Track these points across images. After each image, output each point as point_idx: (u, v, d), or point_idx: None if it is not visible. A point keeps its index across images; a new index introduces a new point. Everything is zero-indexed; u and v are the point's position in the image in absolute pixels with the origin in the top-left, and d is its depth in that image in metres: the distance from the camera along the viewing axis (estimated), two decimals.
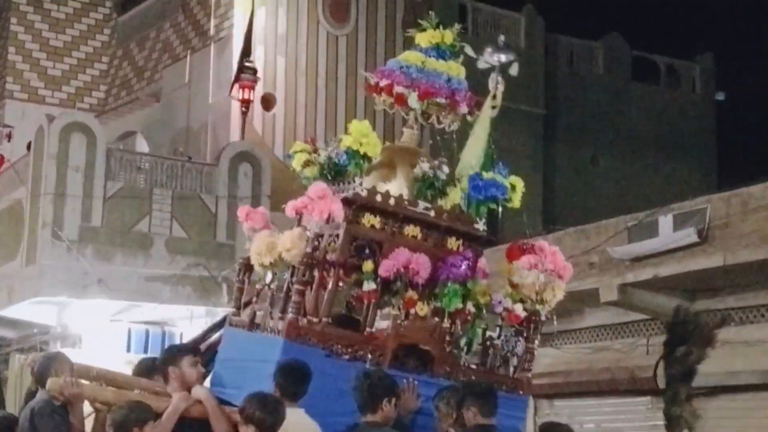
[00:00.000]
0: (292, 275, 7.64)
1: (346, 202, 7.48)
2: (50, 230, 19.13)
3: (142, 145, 24.04)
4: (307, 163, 8.31)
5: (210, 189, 20.16)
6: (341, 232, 7.56)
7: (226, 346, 9.01)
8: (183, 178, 20.46)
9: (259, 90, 22.67)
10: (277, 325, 7.67)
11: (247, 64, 22.23)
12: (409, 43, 25.02)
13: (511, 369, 8.32)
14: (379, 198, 7.68)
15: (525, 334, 8.37)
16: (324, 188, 7.37)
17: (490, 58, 8.63)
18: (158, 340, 20.38)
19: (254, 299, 8.63)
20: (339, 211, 7.32)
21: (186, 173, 20.64)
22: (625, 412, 16.47)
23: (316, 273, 7.50)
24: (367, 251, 7.70)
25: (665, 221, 15.95)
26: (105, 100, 27.61)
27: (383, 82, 8.25)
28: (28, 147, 20.67)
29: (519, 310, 8.13)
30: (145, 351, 19.73)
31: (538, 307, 8.25)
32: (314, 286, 7.63)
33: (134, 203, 19.61)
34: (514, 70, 8.82)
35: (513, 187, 8.37)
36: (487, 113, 8.58)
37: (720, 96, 31.22)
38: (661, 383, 15.97)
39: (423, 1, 25.66)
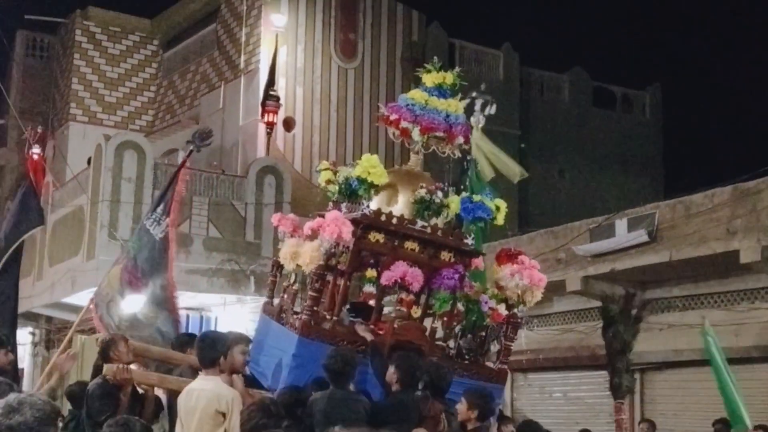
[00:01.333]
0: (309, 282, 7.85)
1: (355, 222, 7.68)
2: (107, 231, 19.16)
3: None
4: (329, 182, 8.40)
5: (240, 197, 20.19)
6: (351, 245, 7.75)
7: (260, 329, 9.24)
8: (217, 188, 20.48)
9: (281, 114, 22.66)
10: (294, 322, 7.96)
11: (271, 92, 22.25)
12: (407, 77, 25.06)
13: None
14: (383, 218, 7.88)
15: (504, 332, 8.50)
16: (337, 215, 7.65)
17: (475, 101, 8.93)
18: (197, 322, 20.42)
19: (282, 294, 8.75)
20: (347, 234, 7.53)
21: (220, 184, 20.66)
22: (586, 384, 16.52)
23: (330, 278, 7.89)
24: (371, 261, 7.99)
25: (621, 224, 15.96)
26: (152, 122, 27.62)
27: (392, 116, 8.45)
28: (89, 162, 20.66)
29: (502, 309, 8.30)
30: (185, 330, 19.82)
31: (519, 307, 8.36)
32: (330, 288, 8.02)
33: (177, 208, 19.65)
34: (492, 110, 9.02)
35: (498, 208, 8.45)
36: (475, 142, 8.76)
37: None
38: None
39: (419, 41, 25.76)
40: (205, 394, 6.60)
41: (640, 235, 15.39)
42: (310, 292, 7.81)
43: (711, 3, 43.49)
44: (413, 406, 6.87)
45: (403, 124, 8.41)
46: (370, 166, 8.06)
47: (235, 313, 20.40)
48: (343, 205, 8.15)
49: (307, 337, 7.57)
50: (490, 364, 8.57)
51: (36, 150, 12.52)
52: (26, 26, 29.73)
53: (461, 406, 7.35)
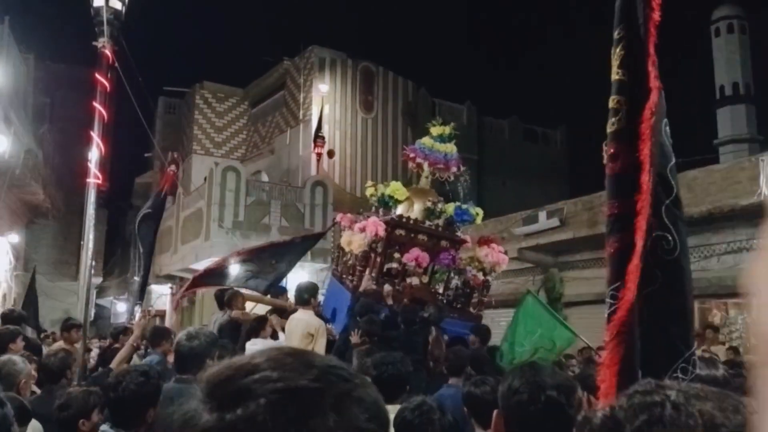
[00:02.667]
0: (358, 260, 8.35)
1: (386, 222, 8.20)
2: (217, 223, 19.30)
3: (264, 178, 24.17)
4: (371, 195, 8.79)
5: (300, 200, 20.35)
6: (384, 237, 8.16)
7: (329, 288, 9.50)
8: (286, 195, 20.59)
9: (326, 147, 22.81)
10: (349, 285, 8.32)
11: (319, 134, 22.41)
12: (405, 124, 24.64)
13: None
14: (404, 220, 8.42)
15: (480, 290, 8.83)
16: (375, 219, 8.20)
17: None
18: None
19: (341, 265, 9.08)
20: (381, 231, 8.08)
21: (288, 192, 20.75)
22: None
23: (372, 257, 8.26)
24: (397, 247, 8.33)
25: (542, 214, 16.00)
26: (244, 154, 27.80)
27: (411, 155, 8.89)
28: (205, 179, 20.81)
29: (480, 276, 8.70)
30: None
31: (491, 274, 8.80)
32: (371, 264, 8.29)
33: (260, 208, 19.79)
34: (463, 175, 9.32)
35: (477, 213, 8.91)
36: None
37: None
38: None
39: (412, 100, 25.85)
40: (302, 322, 6.71)
41: (555, 222, 15.46)
42: (358, 267, 8.29)
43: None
44: (421, 334, 6.94)
45: (418, 160, 8.89)
46: (396, 189, 8.63)
47: (298, 273, 20.45)
48: (380, 211, 8.62)
49: (355, 295, 7.79)
50: (471, 310, 8.76)
51: (172, 168, 12.48)
52: (165, 94, 30.02)
53: (472, 337, 7.57)
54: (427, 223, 8.53)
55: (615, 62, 2.17)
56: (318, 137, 22.51)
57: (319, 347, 6.49)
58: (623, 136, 2.03)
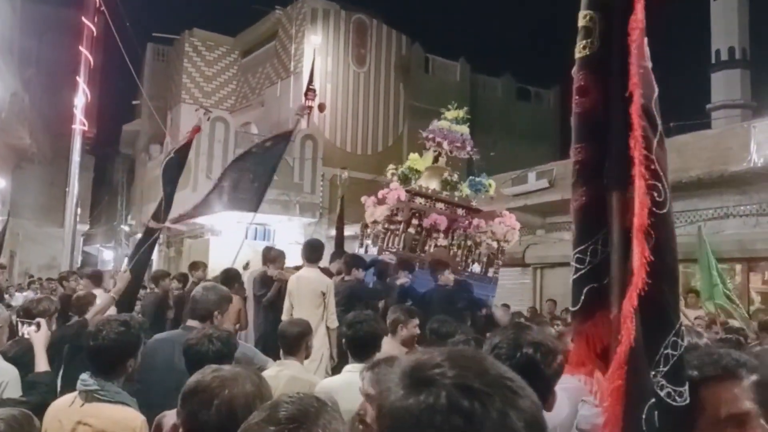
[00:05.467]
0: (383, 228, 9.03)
1: (408, 191, 9.00)
2: (205, 174, 19.21)
3: (254, 129, 23.99)
4: (392, 175, 9.68)
5: (290, 153, 20.21)
6: (406, 205, 8.90)
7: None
8: (276, 147, 20.43)
9: (317, 101, 22.59)
10: (373, 250, 8.97)
11: (310, 87, 22.09)
12: (398, 79, 24.47)
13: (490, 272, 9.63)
14: (424, 190, 9.24)
15: (495, 255, 9.67)
16: (397, 186, 8.99)
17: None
18: (262, 232, 20.55)
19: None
20: (403, 196, 8.84)
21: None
22: (510, 277, 16.63)
23: (391, 226, 8.93)
24: (416, 214, 9.03)
25: (531, 175, 16.01)
26: (234, 104, 27.46)
27: (430, 135, 9.65)
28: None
29: (494, 245, 9.58)
30: (255, 238, 19.95)
31: (503, 243, 9.62)
32: (395, 230, 8.94)
33: None
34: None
35: (490, 184, 10.00)
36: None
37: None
38: (527, 261, 16.18)
39: (405, 54, 25.53)
40: (311, 281, 6.59)
41: (544, 183, 15.47)
42: (382, 234, 8.95)
43: None
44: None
45: (438, 140, 9.58)
46: (415, 161, 9.70)
47: (285, 227, 20.52)
48: (396, 184, 9.24)
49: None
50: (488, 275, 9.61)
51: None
52: (153, 40, 29.53)
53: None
54: (444, 193, 9.41)
55: None
56: (309, 90, 22.25)
57: (331, 305, 6.49)
58: (595, 63, 1.63)
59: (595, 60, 1.63)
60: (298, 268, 7.41)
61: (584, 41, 1.63)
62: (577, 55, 1.67)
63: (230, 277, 7.36)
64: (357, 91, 24.39)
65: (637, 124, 1.50)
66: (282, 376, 3.76)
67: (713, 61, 28.87)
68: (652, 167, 1.53)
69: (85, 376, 2.85)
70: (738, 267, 12.99)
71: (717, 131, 14.15)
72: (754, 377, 1.52)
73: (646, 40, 1.55)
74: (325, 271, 7.27)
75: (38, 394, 3.30)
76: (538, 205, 15.64)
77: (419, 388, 0.95)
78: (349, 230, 12.32)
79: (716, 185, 12.43)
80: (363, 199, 9.58)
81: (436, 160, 9.76)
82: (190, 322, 3.94)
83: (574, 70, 1.68)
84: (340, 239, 11.58)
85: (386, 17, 25.58)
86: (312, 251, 6.90)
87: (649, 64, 1.55)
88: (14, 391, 3.42)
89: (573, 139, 1.71)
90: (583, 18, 1.64)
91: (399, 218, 8.91)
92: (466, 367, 0.97)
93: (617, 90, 1.54)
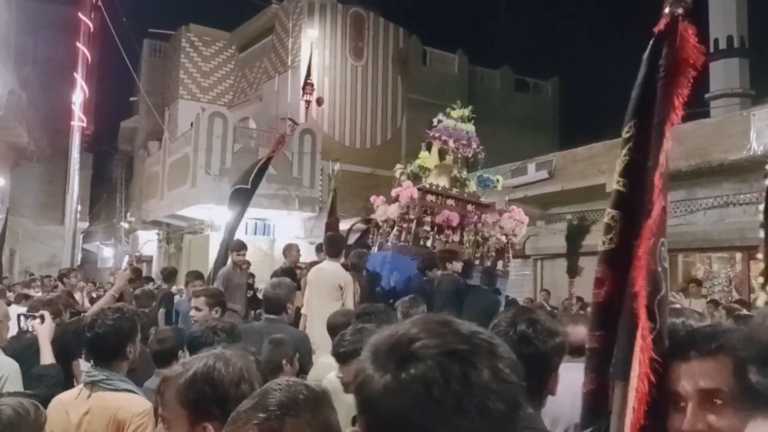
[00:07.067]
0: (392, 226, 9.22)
1: (419, 189, 9.12)
2: (204, 168, 19.21)
3: (252, 124, 23.97)
4: (401, 174, 9.72)
5: (288, 148, 20.11)
6: (417, 203, 9.05)
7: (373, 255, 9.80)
8: (274, 142, 20.45)
9: (315, 95, 22.55)
10: (388, 246, 9.13)
11: (308, 81, 22.10)
12: (396, 72, 24.44)
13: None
14: (434, 187, 9.41)
15: (505, 250, 9.83)
16: (409, 184, 9.08)
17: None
18: (261, 227, 20.62)
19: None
20: (415, 194, 8.98)
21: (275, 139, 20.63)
22: (511, 268, 16.66)
23: (404, 224, 9.07)
24: (428, 211, 9.22)
25: (531, 166, 16.02)
26: (231, 100, 27.43)
27: (436, 134, 9.78)
28: (191, 125, 20.63)
29: (503, 239, 9.71)
30: (255, 233, 19.99)
31: (511, 237, 9.75)
32: (408, 228, 9.07)
33: (248, 155, 19.58)
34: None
35: (498, 180, 10.22)
36: None
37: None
38: (527, 252, 16.17)
39: (403, 47, 25.47)
40: (330, 273, 6.70)
41: (543, 174, 15.49)
42: (395, 231, 9.10)
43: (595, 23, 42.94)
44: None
45: (443, 138, 9.73)
46: (424, 159, 9.80)
47: (285, 222, 20.54)
48: (409, 182, 9.34)
49: (397, 253, 8.79)
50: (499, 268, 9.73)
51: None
52: (150, 36, 29.41)
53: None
54: (454, 190, 9.60)
55: (618, 167, 1.85)
56: (307, 84, 22.22)
57: (349, 300, 6.53)
58: (612, 259, 1.73)
59: (612, 255, 1.74)
60: (314, 263, 7.79)
61: (605, 237, 1.76)
62: (599, 248, 1.78)
63: (285, 271, 8.05)
64: (355, 84, 24.33)
65: (644, 323, 1.59)
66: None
67: (712, 49, 28.81)
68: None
69: (89, 367, 2.87)
70: (738, 255, 13.02)
71: (717, 119, 14.16)
72: (721, 353, 1.47)
73: (661, 241, 1.67)
74: (344, 266, 7.33)
75: (46, 387, 3.30)
76: (538, 196, 15.66)
77: (405, 366, 0.93)
78: (344, 224, 12.10)
79: (716, 174, 12.44)
80: (372, 198, 9.77)
81: (442, 157, 9.87)
82: (266, 316, 4.70)
83: (596, 261, 1.80)
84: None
85: (383, 10, 25.51)
86: (330, 245, 7.08)
87: (660, 268, 1.66)
88: (14, 385, 3.42)
89: (589, 326, 1.81)
90: (607, 216, 1.79)
91: (411, 216, 9.06)
92: (442, 333, 0.96)
93: (629, 287, 1.65)
